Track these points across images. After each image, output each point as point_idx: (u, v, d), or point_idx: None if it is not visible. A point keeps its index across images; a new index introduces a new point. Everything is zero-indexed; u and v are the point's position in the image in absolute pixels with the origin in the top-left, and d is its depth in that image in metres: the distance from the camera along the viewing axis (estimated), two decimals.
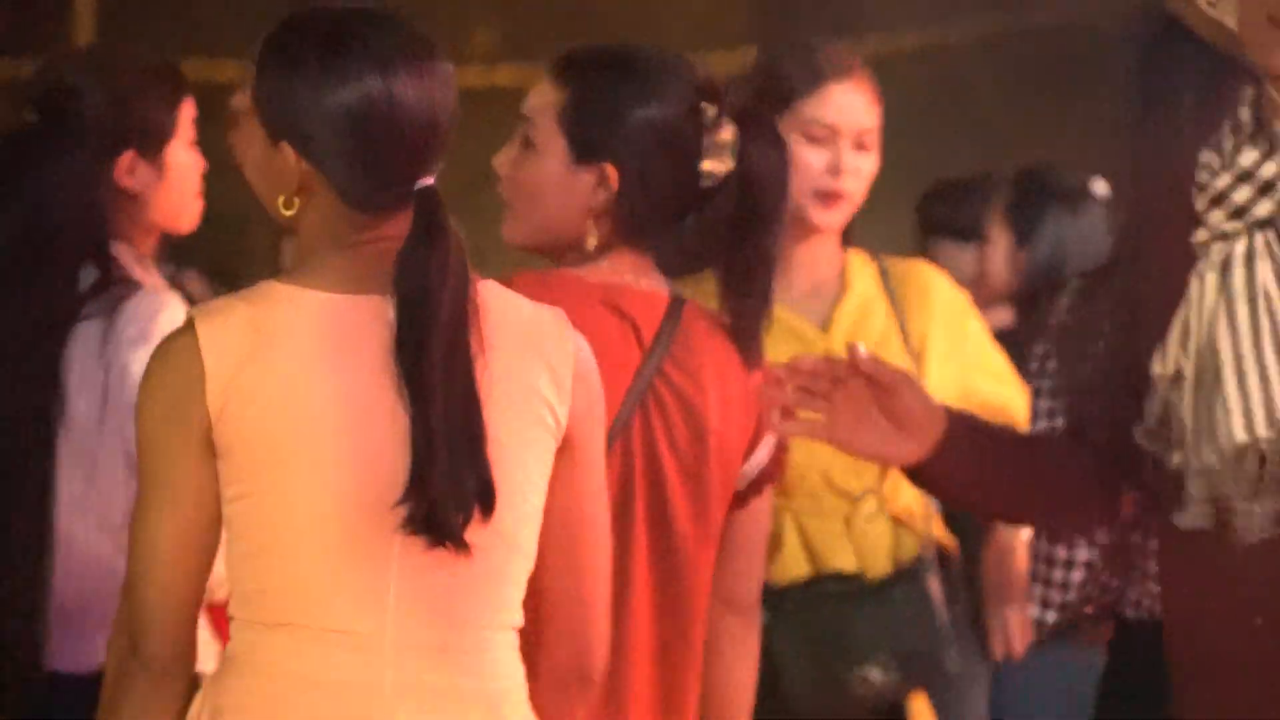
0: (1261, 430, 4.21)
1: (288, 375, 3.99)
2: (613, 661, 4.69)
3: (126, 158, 5.91)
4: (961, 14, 28.77)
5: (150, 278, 6.05)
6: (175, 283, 6.50)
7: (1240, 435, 4.23)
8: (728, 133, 5.09)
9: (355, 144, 4.07)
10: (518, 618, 4.14)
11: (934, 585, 6.52)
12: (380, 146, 4.08)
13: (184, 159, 6.08)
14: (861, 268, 6.73)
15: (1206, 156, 4.38)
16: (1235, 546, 4.36)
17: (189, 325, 4.04)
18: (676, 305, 5.14)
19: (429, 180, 4.10)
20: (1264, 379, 4.26)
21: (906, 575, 6.47)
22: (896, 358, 6.49)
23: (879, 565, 6.43)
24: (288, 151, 4.07)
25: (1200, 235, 4.34)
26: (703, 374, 5.06)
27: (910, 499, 6.56)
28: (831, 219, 6.46)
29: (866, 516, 6.41)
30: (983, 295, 8.86)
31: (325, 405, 4.00)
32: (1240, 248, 4.31)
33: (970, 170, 10.45)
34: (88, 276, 5.86)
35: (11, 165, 5.93)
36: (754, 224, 5.15)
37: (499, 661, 4.10)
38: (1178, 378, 4.36)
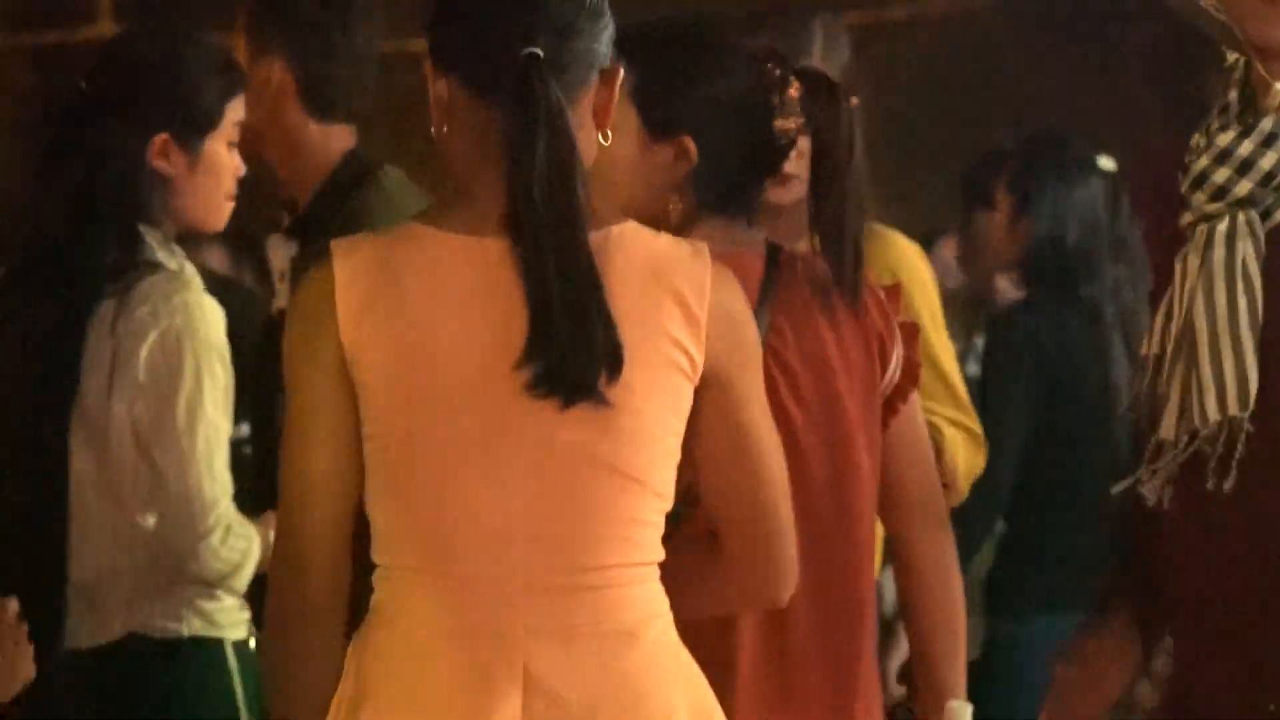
0: (1234, 409, 4.25)
1: (415, 320, 4.06)
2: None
3: (160, 140, 5.91)
4: None
5: (175, 261, 6.06)
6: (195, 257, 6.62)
7: (1214, 411, 4.28)
8: (795, 90, 5.12)
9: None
10: (654, 554, 4.16)
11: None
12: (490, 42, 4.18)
13: (221, 155, 6.08)
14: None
15: (1195, 140, 4.40)
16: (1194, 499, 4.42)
17: (327, 257, 4.13)
18: (774, 259, 5.16)
19: (534, 52, 4.12)
20: (1238, 356, 4.28)
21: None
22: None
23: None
24: (442, 83, 4.20)
25: (1185, 218, 4.36)
26: (811, 318, 5.07)
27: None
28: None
29: None
30: (986, 264, 9.15)
31: (446, 336, 4.08)
32: (1222, 227, 4.31)
33: (1001, 135, 10.29)
34: (112, 255, 5.90)
35: (57, 136, 6.02)
36: (831, 175, 5.17)
37: (633, 598, 4.13)
38: (1160, 358, 4.42)
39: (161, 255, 5.98)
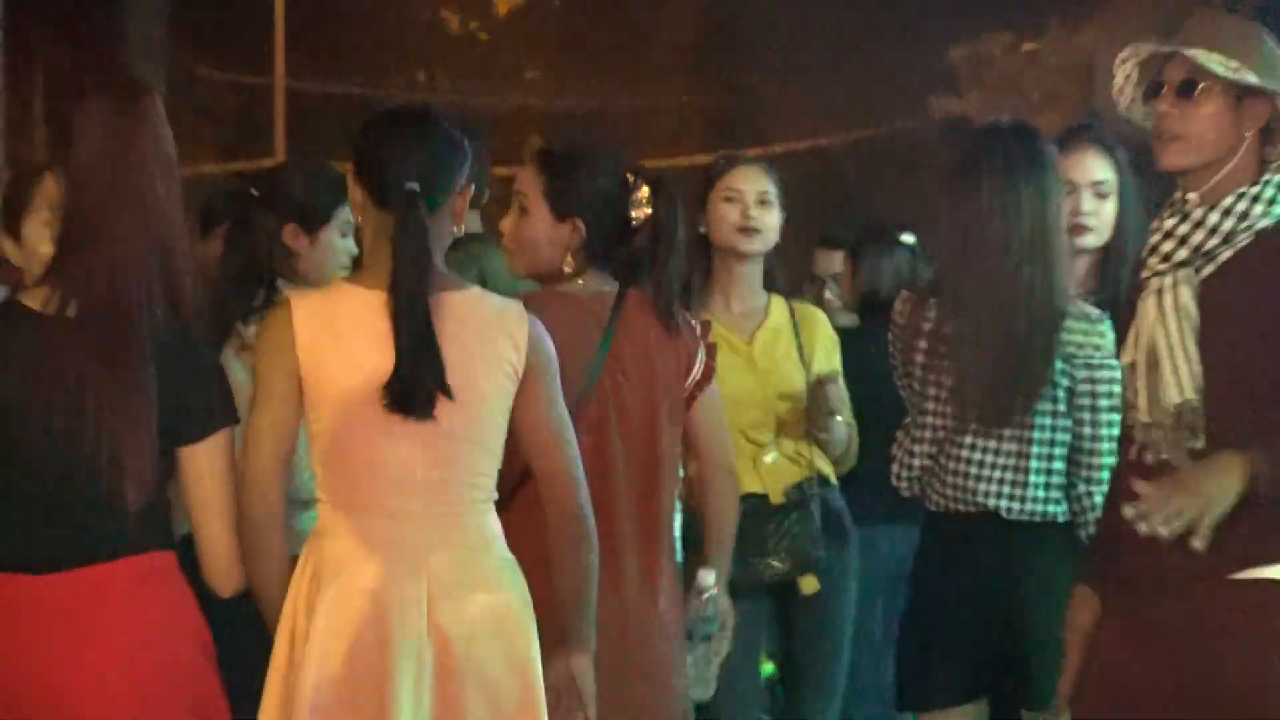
0: (1189, 393, 5.34)
1: (342, 336, 5.28)
2: (603, 514, 5.83)
3: (290, 227, 6.88)
4: (835, 128, 39.01)
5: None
6: None
7: (1174, 398, 5.33)
8: (643, 193, 6.38)
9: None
10: (492, 494, 5.40)
11: (814, 506, 7.75)
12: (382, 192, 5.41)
13: (334, 241, 6.96)
14: (779, 305, 8.01)
15: (1154, 224, 5.58)
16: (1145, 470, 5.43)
17: (285, 303, 5.36)
18: (621, 299, 6.34)
19: (412, 188, 5.39)
20: (1187, 360, 5.30)
21: (796, 499, 7.75)
22: (794, 366, 7.96)
23: (777, 491, 7.68)
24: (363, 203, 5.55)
25: (1143, 274, 5.49)
26: (642, 336, 6.30)
27: (800, 446, 7.94)
28: (752, 245, 7.82)
29: (770, 458, 7.68)
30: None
31: (360, 355, 5.28)
32: (1168, 281, 5.38)
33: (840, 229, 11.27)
34: (259, 297, 6.80)
35: (235, 221, 6.96)
36: (662, 246, 6.38)
37: (484, 522, 5.36)
38: (1133, 366, 5.47)
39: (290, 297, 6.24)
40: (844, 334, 8.81)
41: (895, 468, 6.98)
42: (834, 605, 7.97)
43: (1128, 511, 5.24)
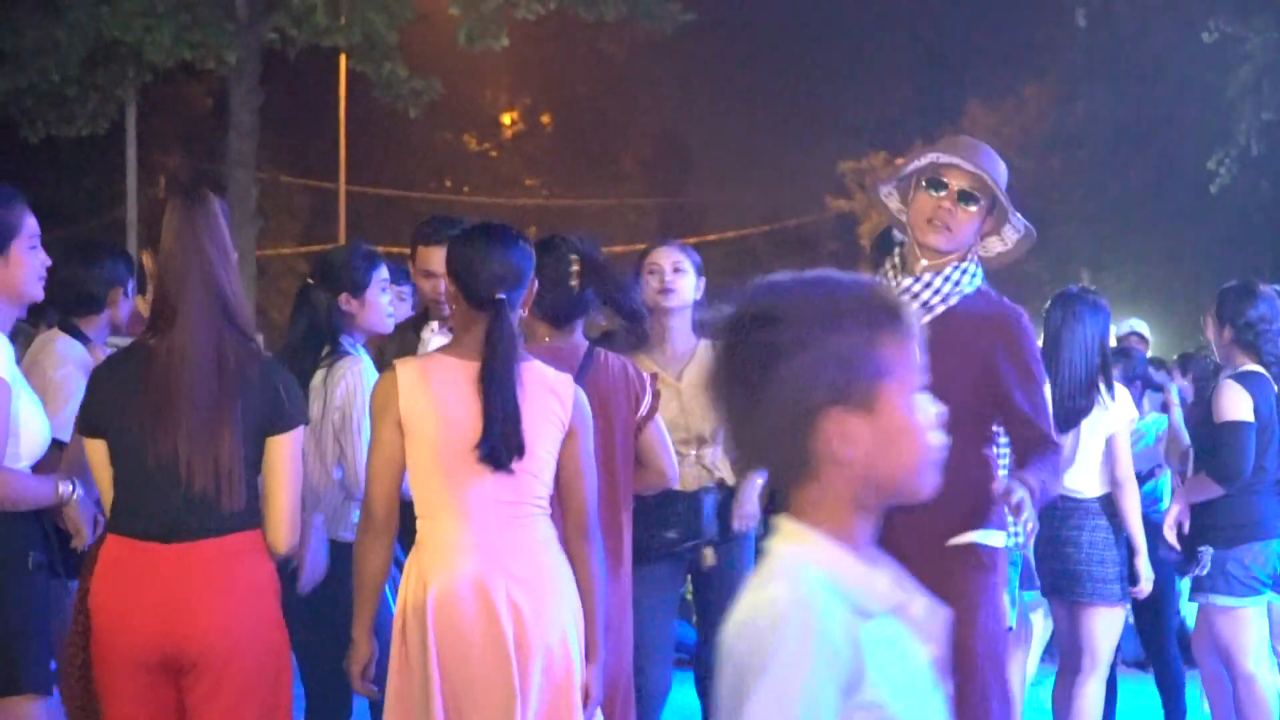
0: None
1: (435, 395, 5.29)
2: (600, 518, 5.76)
3: (344, 296, 6.82)
4: (752, 221, 38.88)
5: (357, 350, 6.86)
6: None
7: None
8: (576, 265, 6.33)
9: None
10: (546, 509, 5.39)
11: (709, 498, 7.52)
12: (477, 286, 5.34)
13: (378, 299, 6.90)
14: (705, 348, 7.66)
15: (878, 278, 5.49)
16: None
17: (393, 368, 5.37)
18: (590, 353, 6.36)
19: (501, 296, 5.31)
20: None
21: (693, 491, 7.51)
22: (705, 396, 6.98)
23: (688, 485, 7.44)
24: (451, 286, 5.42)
25: None
26: (604, 384, 6.28)
27: (715, 458, 7.68)
28: (670, 303, 7.54)
29: (687, 464, 7.42)
30: None
31: (450, 410, 5.28)
32: None
33: None
34: (325, 349, 6.80)
35: (300, 298, 6.91)
36: (615, 311, 6.47)
37: (541, 532, 5.37)
38: None
39: (349, 348, 6.81)
40: None
41: None
42: (730, 578, 7.47)
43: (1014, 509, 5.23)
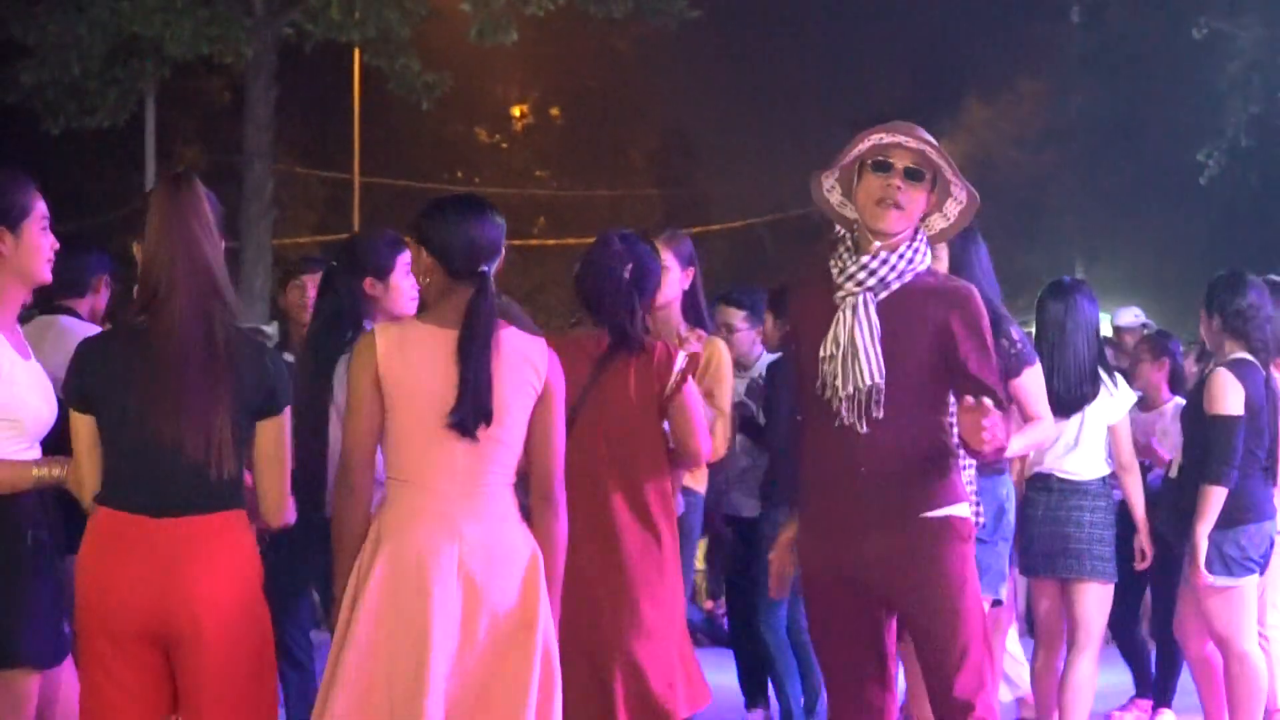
0: (876, 378, 5.51)
1: (412, 361, 5.27)
2: (595, 501, 6.17)
3: (369, 280, 6.90)
4: (757, 212, 38.74)
5: None
6: None
7: (867, 380, 5.51)
8: (630, 264, 6.46)
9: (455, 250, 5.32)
10: (511, 479, 5.33)
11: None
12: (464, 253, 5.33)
13: (401, 283, 6.93)
14: (711, 345, 7.67)
15: (831, 263, 5.64)
16: (846, 434, 5.56)
17: (371, 332, 5.35)
18: (614, 343, 6.39)
19: (485, 269, 5.31)
20: (875, 355, 5.48)
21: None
22: (701, 380, 7.32)
23: None
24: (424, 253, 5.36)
25: (838, 296, 5.59)
26: (625, 365, 6.31)
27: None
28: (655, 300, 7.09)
29: None
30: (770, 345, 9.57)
31: (425, 377, 5.24)
32: (860, 299, 5.55)
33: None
34: (350, 334, 6.74)
35: (325, 282, 7.02)
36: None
37: (504, 501, 5.30)
38: (830, 358, 5.56)
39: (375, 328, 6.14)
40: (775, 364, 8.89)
41: None
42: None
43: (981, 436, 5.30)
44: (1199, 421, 8.20)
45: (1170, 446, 9.42)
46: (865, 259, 5.54)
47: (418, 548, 5.14)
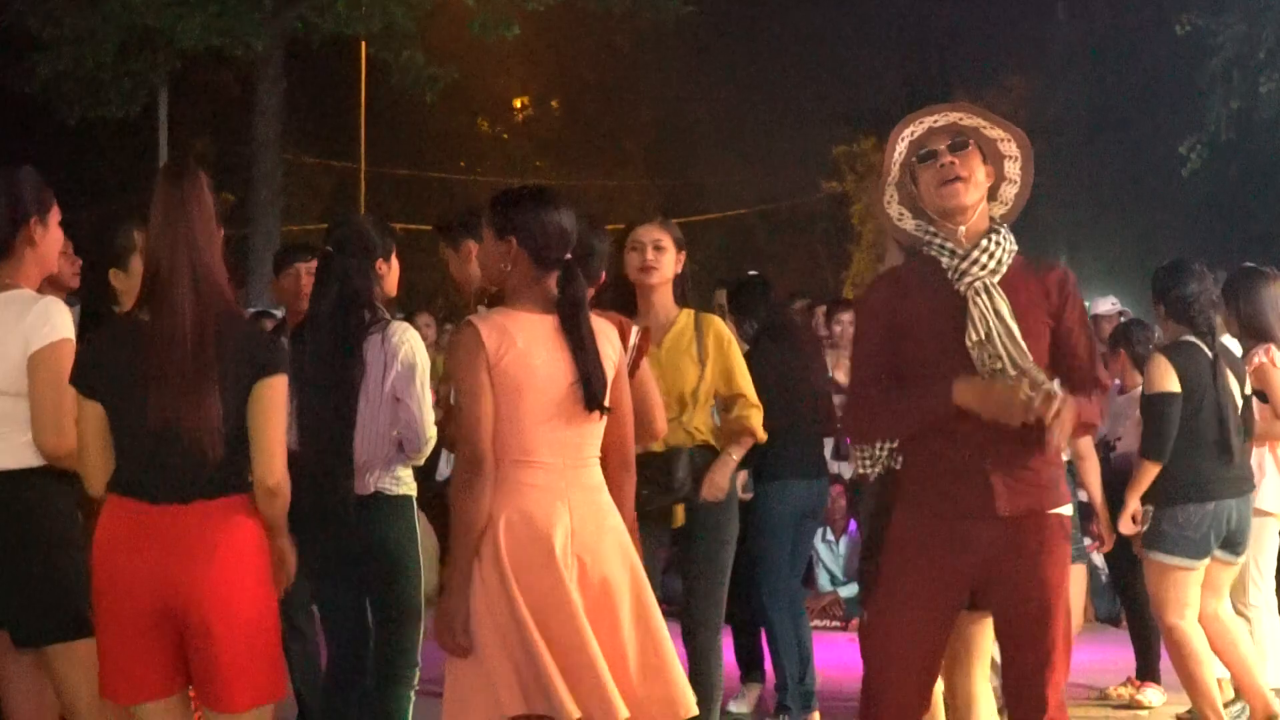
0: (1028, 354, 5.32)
1: (519, 348, 5.33)
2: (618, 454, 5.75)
3: (380, 263, 6.86)
4: (748, 202, 38.80)
5: (392, 316, 6.86)
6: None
7: (1029, 355, 5.32)
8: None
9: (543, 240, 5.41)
10: (598, 450, 5.50)
11: (683, 458, 7.40)
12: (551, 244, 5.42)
13: (396, 267, 6.98)
14: (685, 315, 7.66)
15: (939, 257, 5.46)
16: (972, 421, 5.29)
17: (471, 323, 5.37)
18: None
19: (569, 257, 5.45)
20: (1017, 335, 5.34)
21: (673, 450, 7.42)
22: (691, 360, 7.57)
23: (660, 444, 7.23)
24: (512, 242, 5.41)
25: (962, 284, 5.41)
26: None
27: (698, 421, 7.58)
28: (650, 280, 7.48)
29: (671, 429, 7.23)
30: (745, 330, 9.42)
31: (534, 362, 5.34)
32: (986, 283, 5.40)
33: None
34: (367, 315, 6.73)
35: (324, 267, 6.80)
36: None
37: (598, 474, 5.49)
38: (979, 343, 5.34)
39: (385, 313, 6.78)
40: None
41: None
42: (708, 539, 7.54)
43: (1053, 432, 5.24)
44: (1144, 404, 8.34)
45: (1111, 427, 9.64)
46: (968, 250, 5.41)
47: (536, 522, 5.26)
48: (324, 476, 6.49)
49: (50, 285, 6.31)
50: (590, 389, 5.32)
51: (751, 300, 9.38)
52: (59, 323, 5.57)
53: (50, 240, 5.73)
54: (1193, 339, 8.29)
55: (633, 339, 6.25)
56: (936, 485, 5.41)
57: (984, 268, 5.36)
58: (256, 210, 23.96)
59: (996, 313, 5.32)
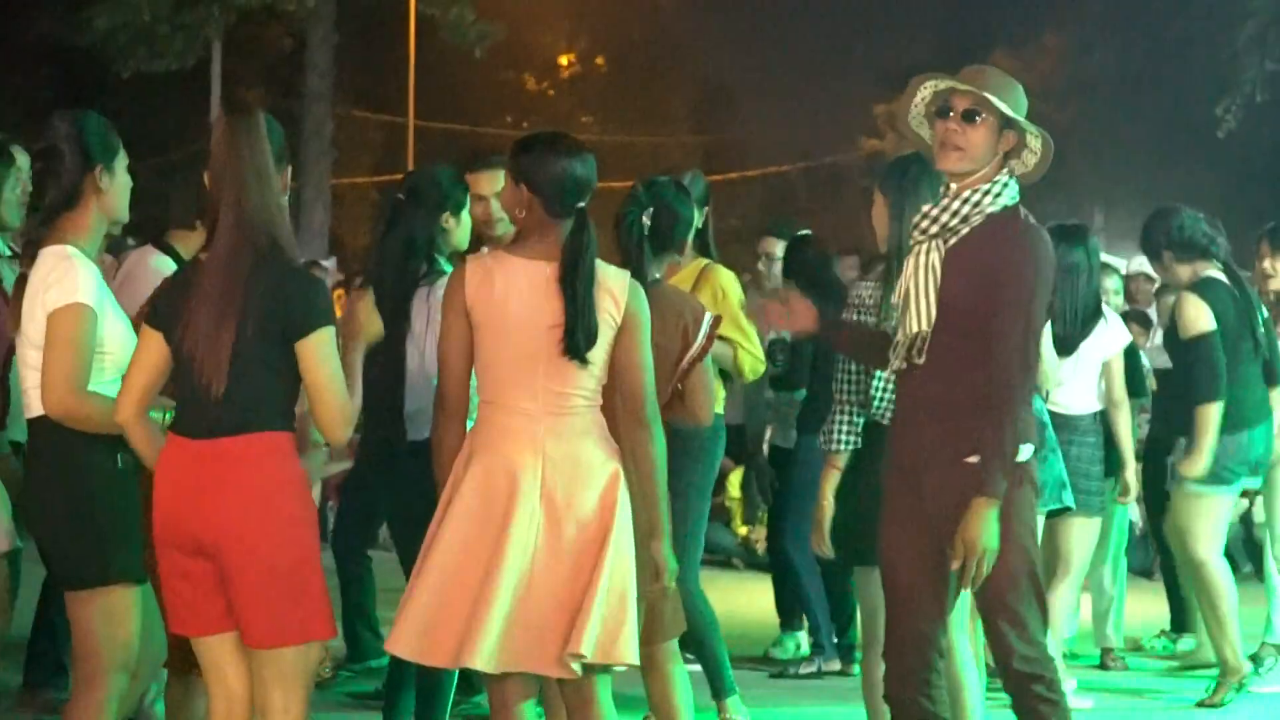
0: (924, 326, 5.44)
1: (500, 291, 5.31)
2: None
3: (446, 215, 6.88)
4: (791, 159, 38.68)
5: (447, 270, 6.70)
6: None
7: (914, 328, 5.45)
8: (688, 211, 6.75)
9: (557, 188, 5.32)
10: (596, 400, 5.39)
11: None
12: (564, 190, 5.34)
13: (466, 219, 7.01)
14: (694, 267, 7.76)
15: (922, 210, 5.60)
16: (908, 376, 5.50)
17: (463, 263, 5.43)
18: (655, 280, 6.42)
19: (582, 205, 5.34)
20: (927, 304, 5.43)
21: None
22: (706, 303, 7.18)
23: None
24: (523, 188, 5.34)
25: (913, 240, 5.57)
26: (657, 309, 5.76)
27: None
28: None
29: None
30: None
31: (514, 306, 5.29)
32: (925, 247, 5.50)
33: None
34: (424, 266, 6.80)
35: (393, 216, 6.89)
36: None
37: (586, 421, 5.37)
38: (897, 303, 5.56)
39: (443, 266, 6.77)
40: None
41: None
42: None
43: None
44: (1176, 348, 8.28)
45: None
46: (926, 207, 5.51)
47: (506, 463, 5.22)
48: (375, 424, 6.50)
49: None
50: (573, 337, 5.22)
51: (804, 259, 9.40)
52: (74, 286, 5.45)
53: (117, 188, 5.66)
54: (1212, 273, 8.25)
55: (705, 326, 6.27)
56: (896, 435, 5.61)
57: (924, 231, 5.44)
58: (307, 163, 24.09)
59: (911, 275, 5.42)
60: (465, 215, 6.92)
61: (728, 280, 7.73)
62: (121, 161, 5.68)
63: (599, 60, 46.05)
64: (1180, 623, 9.83)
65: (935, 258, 5.43)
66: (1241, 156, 31.83)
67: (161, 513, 5.12)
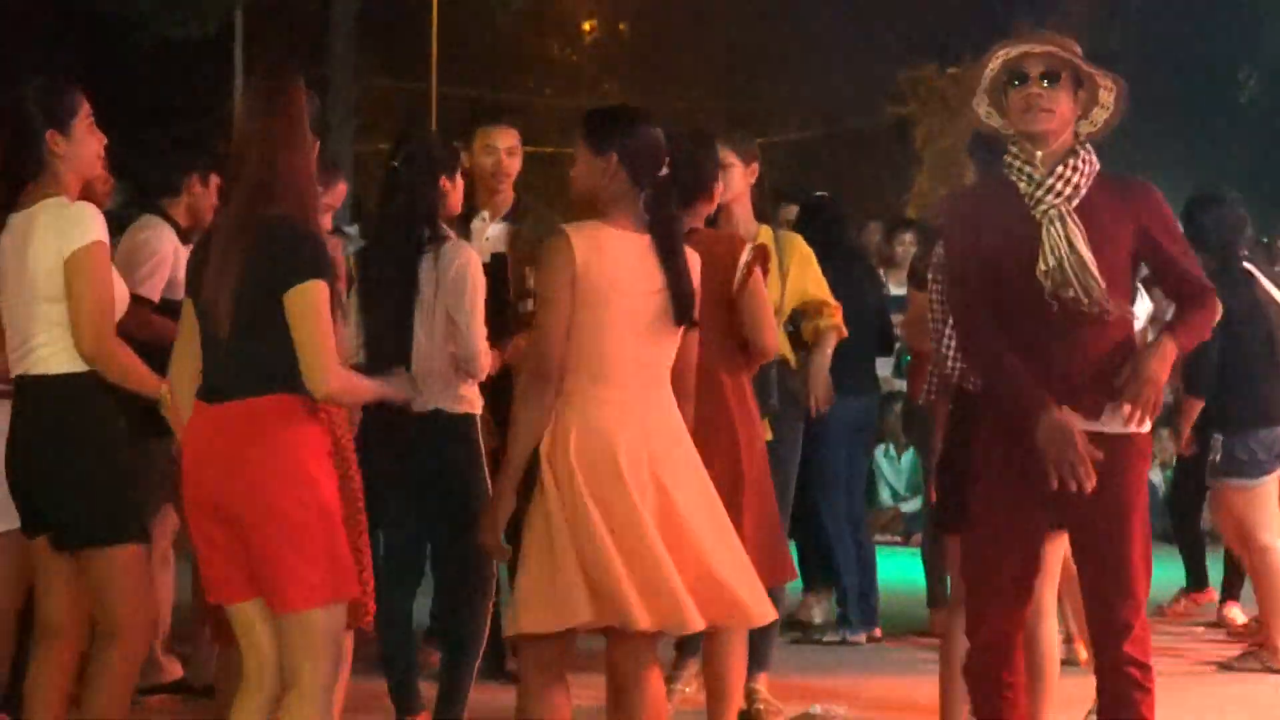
0: (1101, 284, 5.28)
1: (609, 263, 5.27)
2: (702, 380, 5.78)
3: (444, 179, 6.79)
4: (813, 125, 38.20)
5: (452, 233, 6.76)
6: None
7: (1096, 286, 5.31)
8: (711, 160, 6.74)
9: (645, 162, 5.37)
10: (669, 371, 5.43)
11: (771, 374, 7.32)
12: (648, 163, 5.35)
13: (462, 185, 6.94)
14: (765, 232, 7.56)
15: (1015, 180, 5.43)
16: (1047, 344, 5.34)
17: (564, 233, 5.33)
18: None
19: (663, 174, 5.39)
20: (1090, 263, 5.31)
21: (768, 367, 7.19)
22: (774, 276, 7.34)
23: None
24: (612, 159, 5.33)
25: (1038, 210, 5.36)
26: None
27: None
28: (723, 197, 7.06)
29: None
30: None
31: (622, 277, 5.28)
32: (1063, 210, 5.37)
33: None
34: (427, 231, 6.73)
35: (391, 183, 6.79)
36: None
37: (669, 392, 5.45)
38: (1049, 271, 5.30)
39: (447, 231, 6.76)
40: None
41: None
42: (782, 449, 7.59)
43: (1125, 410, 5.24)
44: None
45: None
46: (1041, 176, 5.38)
47: (608, 439, 5.24)
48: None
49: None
50: (681, 302, 5.27)
51: (820, 221, 9.37)
52: (91, 226, 5.54)
53: (77, 147, 5.68)
54: (1237, 265, 8.44)
55: (745, 255, 6.33)
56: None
57: (1059, 194, 5.33)
58: (331, 129, 23.88)
59: (1069, 241, 5.25)
60: (460, 181, 6.93)
61: (806, 247, 7.73)
62: (82, 122, 5.70)
63: (621, 26, 45.89)
64: (1196, 582, 9.93)
65: (1072, 222, 5.35)
66: (1264, 122, 31.81)
67: (187, 480, 5.14)
